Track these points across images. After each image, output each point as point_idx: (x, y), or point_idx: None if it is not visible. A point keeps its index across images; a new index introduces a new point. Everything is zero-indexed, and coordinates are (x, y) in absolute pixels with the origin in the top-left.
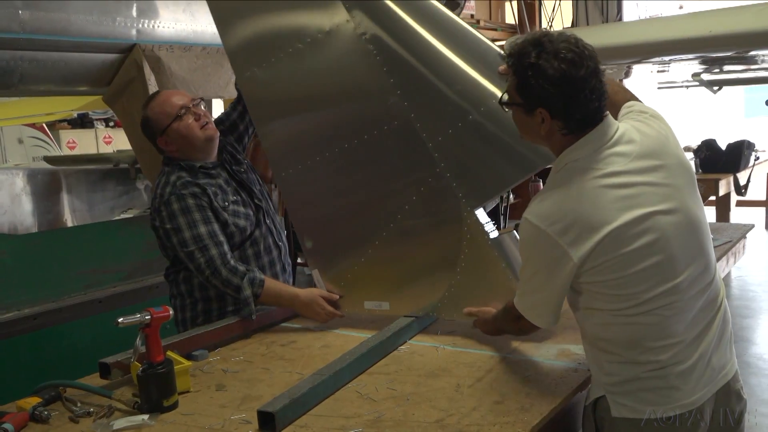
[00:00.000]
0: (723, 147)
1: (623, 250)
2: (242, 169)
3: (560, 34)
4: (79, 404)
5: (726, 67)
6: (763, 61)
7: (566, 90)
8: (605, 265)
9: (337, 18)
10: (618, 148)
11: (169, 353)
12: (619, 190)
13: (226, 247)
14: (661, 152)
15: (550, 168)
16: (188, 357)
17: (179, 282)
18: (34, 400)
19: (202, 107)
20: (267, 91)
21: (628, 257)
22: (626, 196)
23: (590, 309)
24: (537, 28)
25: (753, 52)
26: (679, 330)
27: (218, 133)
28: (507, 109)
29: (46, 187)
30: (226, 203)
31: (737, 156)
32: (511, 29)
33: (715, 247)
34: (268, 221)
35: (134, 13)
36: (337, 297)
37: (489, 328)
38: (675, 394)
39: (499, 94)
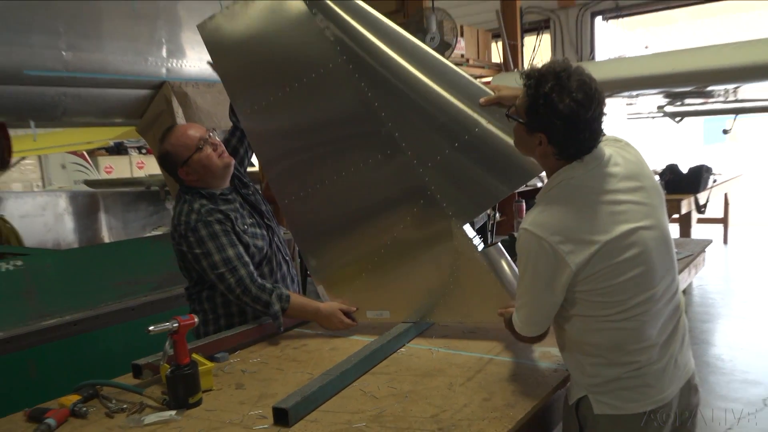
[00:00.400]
0: (685, 171)
1: (613, 261)
2: (250, 192)
3: (578, 70)
4: (114, 401)
5: (687, 100)
6: (719, 95)
7: (569, 127)
8: (598, 274)
9: (333, 59)
10: (608, 170)
11: (194, 355)
12: (611, 207)
13: (252, 267)
14: (640, 175)
15: (530, 189)
16: (211, 359)
17: (202, 300)
18: (74, 398)
19: (216, 137)
20: (268, 126)
21: (617, 267)
22: (617, 212)
23: (580, 316)
24: (519, 67)
25: (710, 87)
26: (653, 334)
27: (233, 160)
28: (510, 120)
29: (86, 207)
30: (246, 226)
31: (697, 178)
32: (497, 67)
33: (678, 260)
34: (276, 239)
35: (164, 54)
36: (354, 309)
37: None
38: (650, 391)
39: (482, 121)
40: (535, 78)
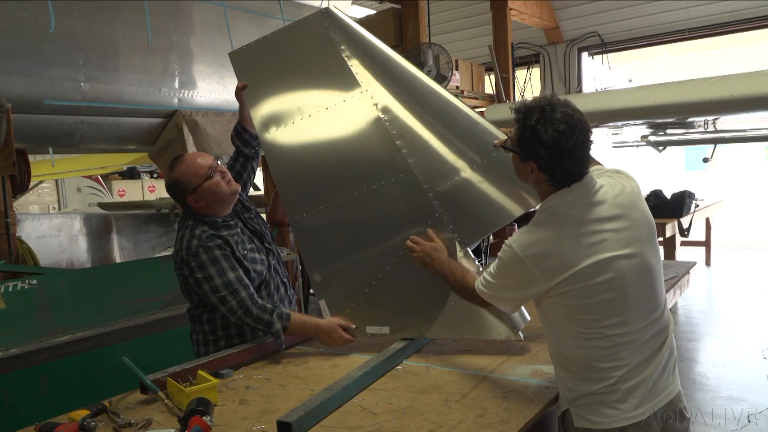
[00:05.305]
0: (668, 196)
1: (584, 284)
2: (252, 216)
3: (564, 103)
4: (121, 416)
5: (669, 131)
6: (699, 126)
7: (553, 155)
8: (569, 292)
9: (354, 90)
10: (594, 198)
11: (200, 372)
12: (591, 236)
13: (252, 289)
14: (630, 206)
15: (523, 215)
16: (216, 375)
17: (203, 322)
18: (83, 413)
19: (222, 165)
20: (286, 146)
21: (588, 289)
22: (595, 242)
23: (559, 329)
24: (511, 99)
25: (690, 119)
26: (626, 354)
27: (240, 186)
28: (507, 152)
29: (99, 228)
30: (245, 252)
31: (680, 204)
32: (490, 98)
33: (664, 281)
34: (273, 261)
35: (176, 85)
36: (354, 326)
37: (426, 262)
38: (623, 407)
39: (480, 159)
40: (523, 112)
